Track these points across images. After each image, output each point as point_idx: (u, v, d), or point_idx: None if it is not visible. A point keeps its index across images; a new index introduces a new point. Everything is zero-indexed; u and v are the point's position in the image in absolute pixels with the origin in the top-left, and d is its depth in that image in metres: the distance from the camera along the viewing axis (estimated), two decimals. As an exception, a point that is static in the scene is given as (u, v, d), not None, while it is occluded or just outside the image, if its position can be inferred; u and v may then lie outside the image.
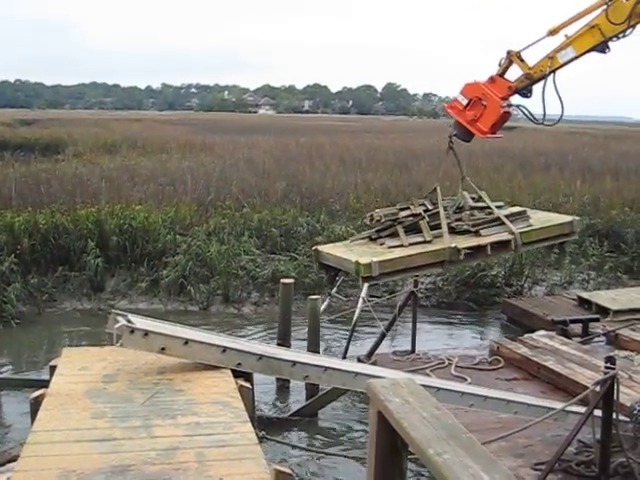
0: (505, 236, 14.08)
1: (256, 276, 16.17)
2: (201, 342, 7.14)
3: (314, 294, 13.34)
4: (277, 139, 39.58)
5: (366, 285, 12.75)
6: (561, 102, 12.40)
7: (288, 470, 5.42)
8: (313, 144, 35.99)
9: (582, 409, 7.04)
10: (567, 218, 15.62)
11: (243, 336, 13.29)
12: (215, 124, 62.16)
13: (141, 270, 16.16)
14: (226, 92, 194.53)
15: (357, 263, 12.95)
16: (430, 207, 14.62)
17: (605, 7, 11.33)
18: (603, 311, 13.87)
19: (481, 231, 14.20)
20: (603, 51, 11.80)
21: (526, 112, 13.19)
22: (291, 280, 12.85)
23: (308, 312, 11.93)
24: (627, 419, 7.43)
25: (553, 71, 12.38)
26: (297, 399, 10.79)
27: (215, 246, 16.45)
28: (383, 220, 14.35)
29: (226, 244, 16.74)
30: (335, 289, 13.42)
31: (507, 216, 14.61)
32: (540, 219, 15.31)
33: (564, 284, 17.36)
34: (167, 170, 24.93)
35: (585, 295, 15.19)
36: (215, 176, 23.14)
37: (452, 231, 14.21)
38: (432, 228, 14.34)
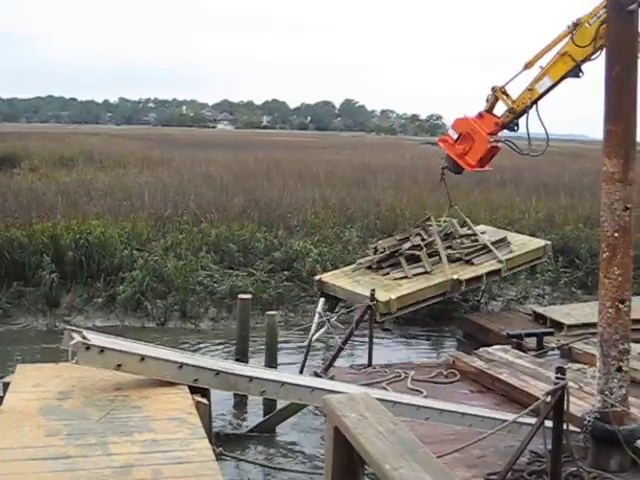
0: (496, 265, 14.86)
1: (214, 292, 16.12)
2: (157, 358, 7.11)
3: (272, 310, 13.39)
4: (235, 154, 39.55)
5: (322, 300, 12.87)
6: (546, 132, 12.87)
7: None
8: (271, 159, 36.05)
9: (534, 420, 7.15)
10: (541, 242, 16.49)
11: (201, 352, 13.25)
12: (173, 139, 61.94)
13: (97, 286, 16.02)
14: (184, 107, 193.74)
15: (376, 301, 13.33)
16: (425, 237, 15.23)
17: (571, 35, 11.78)
18: (558, 326, 14.12)
19: (473, 260, 14.93)
20: (577, 75, 12.24)
21: (512, 146, 13.70)
22: (249, 296, 12.87)
23: (266, 327, 11.96)
24: (578, 430, 7.56)
25: (534, 102, 12.91)
26: (255, 415, 10.77)
27: (172, 261, 16.38)
28: (387, 252, 14.90)
29: (183, 259, 16.68)
30: (336, 317, 13.63)
31: (493, 243, 15.33)
32: (516, 243, 16.02)
33: (520, 299, 17.58)
34: (124, 185, 24.75)
35: (540, 310, 15.42)
36: (173, 191, 23.05)
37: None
38: (428, 256, 14.96)
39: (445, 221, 16.09)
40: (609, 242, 7.26)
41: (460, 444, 7.22)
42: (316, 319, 12.07)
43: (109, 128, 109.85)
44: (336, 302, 14.61)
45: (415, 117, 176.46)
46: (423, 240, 15.19)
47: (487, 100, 13.78)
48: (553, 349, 12.86)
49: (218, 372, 7.22)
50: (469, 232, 15.94)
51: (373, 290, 12.31)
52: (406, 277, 14.50)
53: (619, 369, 7.31)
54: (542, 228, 20.49)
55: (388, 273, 14.69)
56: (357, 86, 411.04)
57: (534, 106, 12.92)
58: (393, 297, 13.54)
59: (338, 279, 14.70)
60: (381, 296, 13.47)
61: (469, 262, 15.02)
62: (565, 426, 6.90)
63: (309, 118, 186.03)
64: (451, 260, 14.92)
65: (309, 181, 27.32)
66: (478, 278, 14.80)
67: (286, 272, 17.07)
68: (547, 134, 12.89)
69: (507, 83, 13.36)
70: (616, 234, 7.20)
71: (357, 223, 20.38)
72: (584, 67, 12.02)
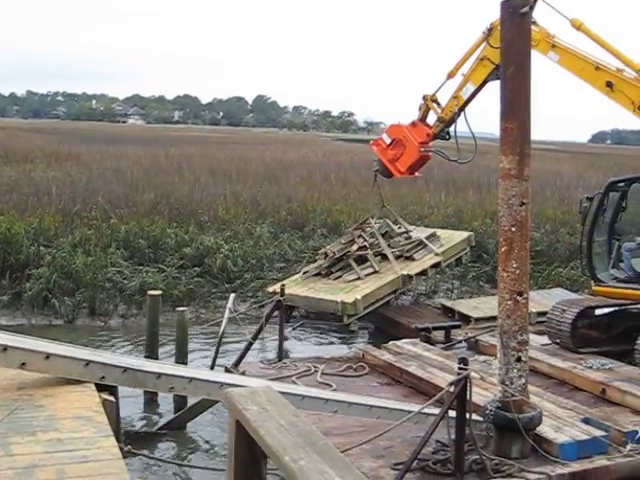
0: (435, 258, 15.70)
1: (123, 288, 15.93)
2: (63, 356, 6.99)
3: (182, 306, 13.32)
4: (146, 150, 39.00)
5: (232, 295, 12.89)
6: (474, 138, 13.18)
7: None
8: (183, 155, 35.73)
9: (439, 410, 7.33)
10: (464, 234, 17.20)
11: (110, 349, 13.08)
12: (82, 133, 60.62)
13: (2, 283, 15.64)
14: (94, 101, 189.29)
15: (343, 303, 13.89)
16: (367, 238, 15.71)
17: (487, 39, 12.12)
18: (465, 319, 14.47)
19: (414, 255, 15.50)
20: (498, 77, 12.51)
21: (443, 155, 14.05)
22: (159, 292, 12.78)
23: (176, 324, 11.89)
24: (481, 419, 7.79)
25: (461, 109, 13.16)
26: (166, 412, 10.69)
27: (81, 258, 16.10)
28: (337, 256, 15.21)
29: (92, 256, 16.42)
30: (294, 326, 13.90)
31: (426, 238, 15.98)
32: (443, 237, 16.82)
33: (429, 293, 17.91)
34: (31, 180, 24.17)
35: (448, 304, 15.78)
36: (81, 186, 22.64)
37: (386, 257, 15.36)
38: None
39: (377, 222, 16.56)
40: (506, 236, 7.50)
41: (368, 436, 7.35)
42: (226, 314, 12.07)
43: (16, 122, 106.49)
44: (291, 311, 14.75)
45: (327, 113, 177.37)
46: (366, 241, 15.63)
47: (419, 109, 14.02)
48: (460, 341, 13.16)
49: (125, 369, 7.15)
50: (402, 230, 16.49)
51: (283, 285, 12.43)
52: (359, 278, 14.92)
53: (518, 359, 7.55)
54: (451, 223, 20.91)
55: (340, 277, 15.03)
56: (269, 82, 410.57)
57: (462, 113, 13.26)
58: (359, 297, 13.97)
59: (292, 288, 14.75)
60: (346, 298, 13.83)
61: (410, 258, 15.69)
62: (468, 415, 7.11)
63: (221, 114, 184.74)
64: (394, 257, 15.47)
65: (220, 177, 27.22)
66: (424, 272, 15.53)
67: (197, 268, 17.02)
68: (475, 140, 13.25)
69: (436, 92, 13.65)
70: (513, 228, 7.44)
71: (268, 218, 20.43)
72: None
